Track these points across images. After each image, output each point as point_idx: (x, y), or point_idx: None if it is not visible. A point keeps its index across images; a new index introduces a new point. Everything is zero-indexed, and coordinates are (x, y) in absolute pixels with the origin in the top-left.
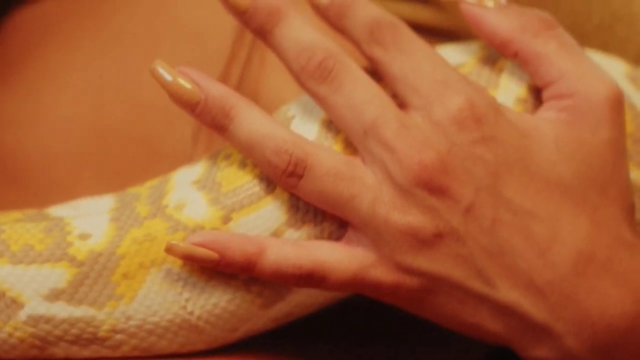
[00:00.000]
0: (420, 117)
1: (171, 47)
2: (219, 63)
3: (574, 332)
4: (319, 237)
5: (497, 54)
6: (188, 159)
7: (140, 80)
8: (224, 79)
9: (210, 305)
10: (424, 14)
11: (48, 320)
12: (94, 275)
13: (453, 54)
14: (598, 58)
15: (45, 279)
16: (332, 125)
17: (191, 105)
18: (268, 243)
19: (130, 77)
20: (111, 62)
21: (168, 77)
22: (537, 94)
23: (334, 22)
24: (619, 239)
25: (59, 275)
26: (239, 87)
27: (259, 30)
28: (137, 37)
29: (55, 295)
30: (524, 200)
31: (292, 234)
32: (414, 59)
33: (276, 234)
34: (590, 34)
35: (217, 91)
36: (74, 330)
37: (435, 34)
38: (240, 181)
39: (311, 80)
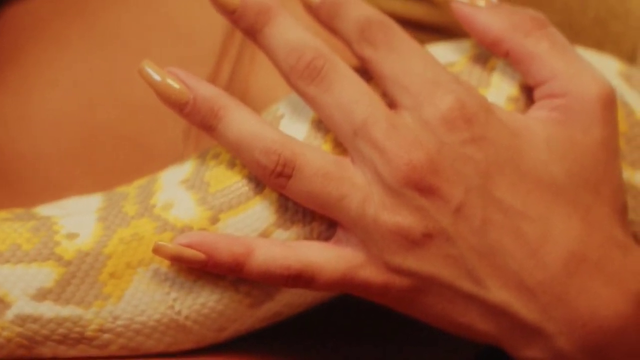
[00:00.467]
0: (410, 117)
1: (161, 45)
2: (210, 61)
3: (565, 333)
4: (308, 237)
5: (489, 52)
6: (179, 157)
7: (131, 78)
8: (214, 77)
9: (198, 305)
10: (416, 10)
11: (35, 319)
12: (81, 274)
13: (444, 52)
14: (592, 56)
15: (32, 278)
16: (321, 124)
17: (180, 106)
18: (256, 244)
19: (120, 75)
20: (101, 60)
21: (156, 77)
22: (528, 93)
23: (326, 21)
24: (611, 239)
25: (46, 274)
26: (230, 85)
27: (248, 29)
28: (127, 35)
29: (42, 295)
30: (514, 200)
31: (281, 234)
32: (405, 58)
33: (265, 234)
34: (585, 29)
35: (206, 91)
36: (61, 330)
37: (427, 29)
38: (229, 181)
39: (300, 80)
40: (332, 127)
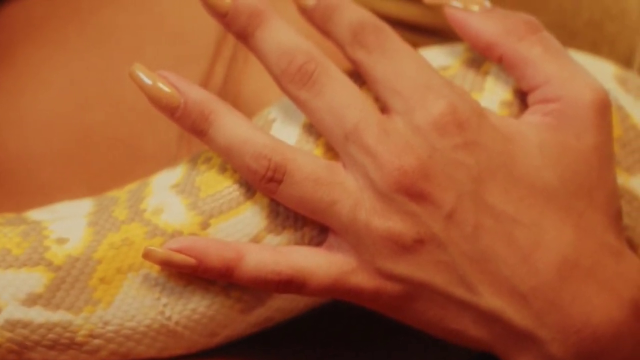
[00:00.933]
0: (401, 122)
1: (155, 46)
2: (203, 61)
3: (558, 339)
4: (300, 242)
5: (483, 56)
6: (172, 159)
7: (124, 79)
8: (208, 77)
9: (189, 311)
10: (411, 12)
11: (25, 325)
12: (70, 280)
13: (438, 56)
14: (587, 60)
15: (22, 283)
16: (313, 129)
17: (170, 109)
18: (247, 249)
19: (114, 76)
20: (95, 61)
21: (147, 81)
22: (522, 98)
23: (319, 24)
24: (604, 245)
25: (36, 279)
26: (223, 87)
27: (240, 33)
28: (121, 36)
29: (32, 300)
30: (506, 205)
31: (272, 239)
32: (397, 62)
33: (256, 239)
34: (580, 31)
35: (197, 95)
36: (51, 335)
37: (421, 31)
38: (220, 186)
39: (292, 84)
40: (323, 131)
